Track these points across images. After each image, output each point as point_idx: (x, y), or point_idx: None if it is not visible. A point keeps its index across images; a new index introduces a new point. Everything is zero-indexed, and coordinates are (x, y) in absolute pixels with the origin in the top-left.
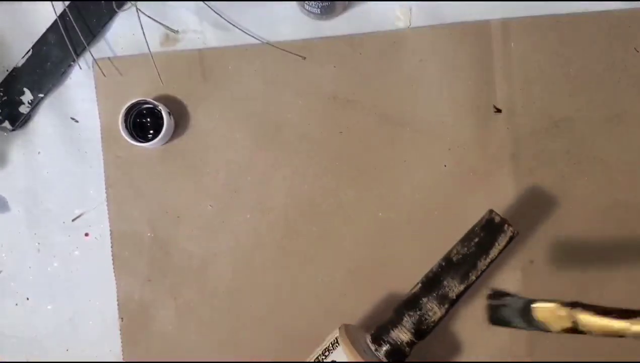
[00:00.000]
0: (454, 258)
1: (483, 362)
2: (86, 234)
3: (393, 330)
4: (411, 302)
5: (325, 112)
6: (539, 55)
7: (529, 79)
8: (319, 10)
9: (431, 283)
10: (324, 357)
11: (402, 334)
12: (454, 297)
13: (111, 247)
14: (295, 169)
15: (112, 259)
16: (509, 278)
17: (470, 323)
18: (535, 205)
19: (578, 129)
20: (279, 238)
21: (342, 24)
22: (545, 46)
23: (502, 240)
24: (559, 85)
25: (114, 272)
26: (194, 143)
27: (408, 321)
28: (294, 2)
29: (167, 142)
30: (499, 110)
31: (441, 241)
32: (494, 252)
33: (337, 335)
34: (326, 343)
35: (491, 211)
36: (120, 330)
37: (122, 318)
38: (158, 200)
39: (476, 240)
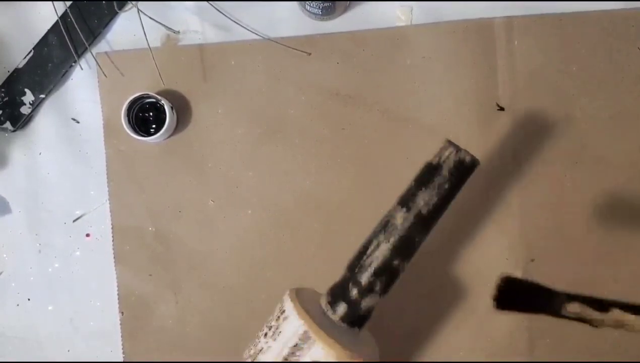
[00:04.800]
0: (421, 210)
1: (483, 362)
2: (87, 235)
3: (349, 288)
4: (364, 252)
5: (328, 108)
6: (542, 54)
7: (532, 77)
8: (320, 10)
9: (384, 227)
10: (273, 328)
11: (358, 290)
12: (414, 245)
13: (112, 241)
14: (297, 165)
15: (113, 253)
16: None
17: (471, 323)
18: (536, 204)
19: (580, 127)
20: (280, 234)
21: (343, 24)
22: (548, 45)
23: (467, 177)
24: (562, 84)
25: (115, 266)
26: (196, 138)
27: (363, 275)
28: (295, 3)
29: (169, 137)
30: (501, 108)
31: (442, 238)
32: (458, 190)
33: (285, 301)
34: (276, 312)
35: (451, 144)
36: (121, 324)
37: (122, 312)
38: (160, 195)
39: (446, 186)
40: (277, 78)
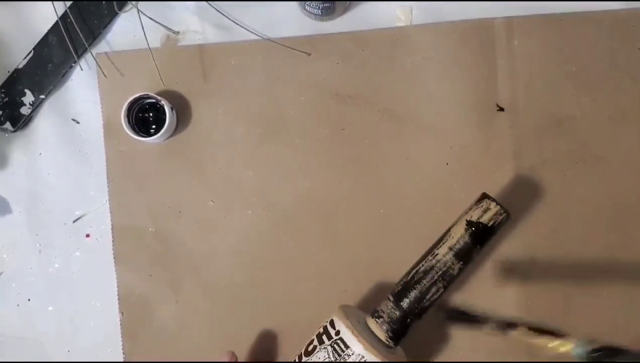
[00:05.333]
0: (454, 245)
1: (483, 362)
2: (87, 235)
3: (391, 309)
4: (409, 281)
5: (328, 109)
6: (542, 54)
7: (532, 77)
8: (319, 11)
9: (429, 263)
10: (322, 337)
11: (399, 312)
12: (454, 275)
13: (112, 241)
14: (297, 165)
15: (113, 254)
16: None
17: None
18: (536, 204)
19: (580, 127)
20: (280, 234)
21: (343, 24)
22: (548, 45)
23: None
24: (562, 84)
25: (115, 266)
26: (196, 138)
27: (405, 300)
28: (295, 3)
29: (169, 137)
30: (501, 109)
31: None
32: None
33: (334, 315)
34: (323, 324)
35: (485, 195)
36: (121, 324)
37: (122, 312)
38: (160, 195)
39: (473, 229)
40: (277, 78)
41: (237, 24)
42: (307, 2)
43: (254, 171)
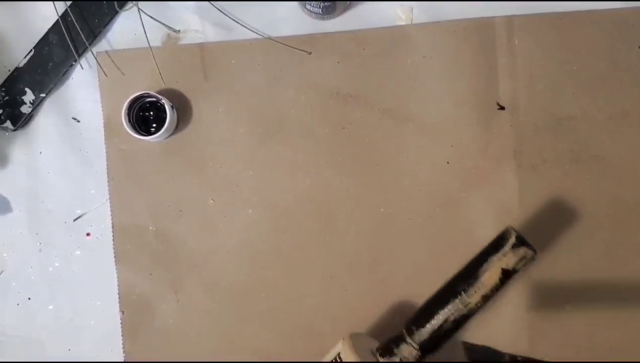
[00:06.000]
0: (486, 293)
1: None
2: (87, 234)
3: (402, 344)
4: (422, 316)
5: (328, 108)
6: (543, 53)
7: (533, 77)
8: (320, 10)
9: (443, 297)
10: None
11: (411, 349)
12: (467, 313)
13: (113, 240)
14: (298, 164)
15: (114, 253)
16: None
17: (471, 323)
18: (537, 203)
19: (581, 127)
20: (280, 233)
21: (343, 23)
22: (549, 44)
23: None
24: (562, 83)
25: (116, 265)
26: (196, 137)
27: (417, 335)
28: (295, 2)
29: (169, 136)
30: (502, 108)
31: (443, 237)
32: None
33: (341, 347)
34: (331, 356)
35: (520, 239)
36: (121, 323)
37: (122, 311)
38: (160, 194)
39: (507, 277)
40: (277, 77)
41: (238, 22)
42: (308, 1)
43: (255, 170)
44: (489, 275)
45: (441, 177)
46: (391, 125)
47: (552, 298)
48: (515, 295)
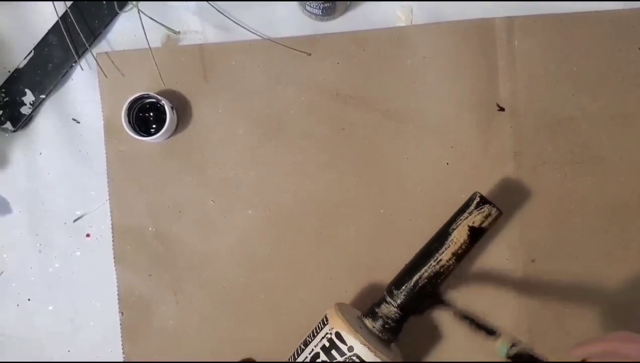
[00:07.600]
0: (457, 250)
1: (483, 362)
2: (87, 235)
3: (383, 304)
4: (400, 278)
5: (328, 109)
6: (543, 54)
7: (533, 78)
8: (320, 11)
9: (420, 260)
10: (315, 334)
11: (391, 307)
12: (439, 271)
13: (112, 241)
14: (298, 165)
15: (114, 253)
16: (510, 277)
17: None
18: (536, 204)
19: (581, 128)
20: (280, 234)
21: (343, 24)
22: (549, 45)
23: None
24: (562, 84)
25: (115, 266)
26: (196, 138)
27: (396, 295)
28: (295, 3)
29: (169, 137)
30: (502, 109)
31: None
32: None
33: (328, 312)
34: (318, 322)
35: (483, 199)
36: (121, 324)
37: (122, 312)
38: (160, 195)
39: (474, 234)
40: (277, 78)
41: (238, 23)
42: (308, 2)
43: (254, 171)
44: (458, 234)
45: (441, 178)
46: (391, 126)
47: (552, 298)
48: (515, 295)
